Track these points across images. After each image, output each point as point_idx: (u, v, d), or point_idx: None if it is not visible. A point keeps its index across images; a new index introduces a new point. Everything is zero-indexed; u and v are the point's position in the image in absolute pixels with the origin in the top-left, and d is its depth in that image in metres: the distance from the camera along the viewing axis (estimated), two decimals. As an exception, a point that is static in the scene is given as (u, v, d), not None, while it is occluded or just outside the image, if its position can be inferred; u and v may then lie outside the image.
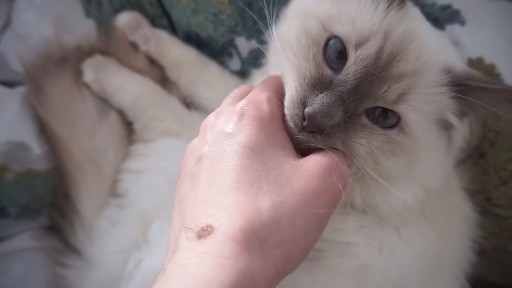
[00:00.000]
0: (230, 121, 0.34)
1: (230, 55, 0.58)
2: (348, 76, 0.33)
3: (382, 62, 0.32)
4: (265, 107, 0.34)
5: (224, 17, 0.55)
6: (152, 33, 0.57)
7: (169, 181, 0.49)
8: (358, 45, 0.33)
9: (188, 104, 0.57)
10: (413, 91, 0.32)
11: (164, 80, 0.58)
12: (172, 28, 0.60)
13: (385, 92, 0.32)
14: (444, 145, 0.37)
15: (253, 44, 0.56)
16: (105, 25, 0.57)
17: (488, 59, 0.45)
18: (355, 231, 0.39)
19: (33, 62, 0.54)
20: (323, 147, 0.32)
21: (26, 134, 0.52)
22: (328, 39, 0.34)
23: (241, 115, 0.33)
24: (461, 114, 0.35)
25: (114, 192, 0.53)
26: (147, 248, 0.46)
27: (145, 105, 0.54)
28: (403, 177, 0.36)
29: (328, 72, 0.34)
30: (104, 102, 0.56)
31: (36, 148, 0.53)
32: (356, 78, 0.32)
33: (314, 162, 0.31)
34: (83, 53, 0.56)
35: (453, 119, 0.35)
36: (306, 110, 0.32)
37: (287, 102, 0.34)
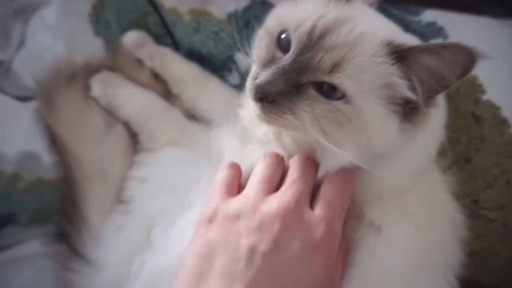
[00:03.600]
0: (306, 243, 0.37)
1: (229, 70, 0.62)
2: (289, 53, 0.39)
3: (315, 36, 0.38)
4: (333, 250, 0.39)
5: (224, 35, 0.59)
6: (157, 50, 0.61)
7: (170, 188, 0.52)
8: (297, 28, 0.39)
9: (191, 116, 0.61)
10: (347, 61, 0.36)
11: (167, 94, 0.62)
12: (175, 46, 0.64)
13: (319, 61, 0.37)
14: (394, 123, 0.38)
15: (251, 59, 0.59)
16: (112, 44, 0.61)
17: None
18: None
19: (45, 78, 0.58)
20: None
21: (37, 144, 0.56)
22: (281, 32, 0.40)
23: (319, 245, 0.37)
24: (407, 80, 0.37)
25: (119, 199, 0.56)
26: (150, 250, 0.48)
27: (149, 117, 0.57)
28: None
29: (280, 55, 0.40)
30: (111, 114, 0.59)
31: (47, 158, 0.56)
32: (295, 52, 0.38)
33: None
34: (92, 69, 0.60)
35: (399, 83, 0.37)
36: (255, 81, 0.38)
37: (247, 82, 0.41)
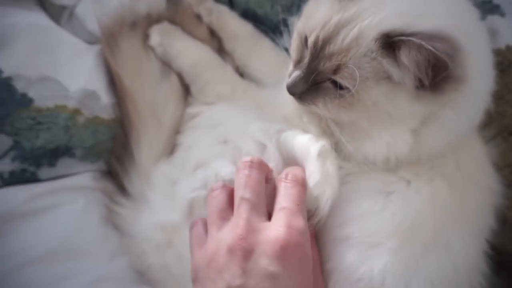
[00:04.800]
0: (272, 257, 0.37)
1: (281, 33, 0.64)
2: (305, 59, 0.46)
3: (318, 47, 0.44)
4: (306, 245, 0.40)
5: (282, -4, 0.61)
6: (215, 7, 0.63)
7: (215, 138, 0.55)
8: (309, 37, 0.45)
9: (240, 74, 0.63)
10: (343, 65, 0.43)
11: (220, 51, 0.65)
12: (231, 5, 0.66)
13: (323, 67, 0.44)
14: (403, 93, 0.42)
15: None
16: (174, -3, 0.64)
17: (525, 47, 0.49)
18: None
19: (109, 24, 0.61)
20: None
21: (98, 84, 0.59)
22: (306, 36, 0.46)
23: (285, 253, 0.38)
24: (399, 67, 0.41)
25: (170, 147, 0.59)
26: None
27: (203, 69, 0.60)
28: (371, 129, 0.45)
29: (307, 54, 0.46)
30: (166, 65, 0.63)
31: (105, 98, 0.60)
32: (308, 59, 0.45)
33: None
34: (152, 20, 0.63)
35: (392, 72, 0.41)
36: (287, 81, 0.47)
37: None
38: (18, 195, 0.55)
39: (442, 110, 0.43)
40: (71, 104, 0.57)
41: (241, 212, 0.40)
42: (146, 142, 0.59)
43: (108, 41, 0.60)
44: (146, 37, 0.62)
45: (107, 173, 0.63)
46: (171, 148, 0.59)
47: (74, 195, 0.58)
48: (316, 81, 0.45)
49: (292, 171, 0.44)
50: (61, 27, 0.63)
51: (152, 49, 0.62)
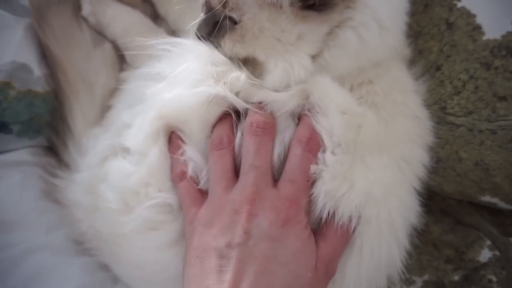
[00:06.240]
0: (273, 224, 0.40)
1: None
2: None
3: None
4: (303, 217, 0.42)
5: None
6: (145, -29, 0.62)
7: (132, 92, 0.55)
8: None
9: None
10: None
11: (155, 17, 0.64)
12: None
13: (214, 3, 0.44)
14: (286, 15, 0.42)
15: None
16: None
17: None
18: None
19: (38, -1, 0.60)
20: None
21: (28, 56, 0.58)
22: None
23: (284, 224, 0.40)
24: None
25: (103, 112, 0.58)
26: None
27: (135, 34, 0.59)
28: (268, 61, 0.45)
29: None
30: (100, 35, 0.62)
31: (37, 70, 0.58)
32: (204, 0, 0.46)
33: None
34: (83, -10, 0.62)
35: None
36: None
37: None
38: (-46, 172, 0.54)
39: (341, 30, 0.42)
40: (0, 77, 0.56)
41: (250, 177, 0.42)
42: (79, 111, 0.58)
43: (36, 14, 0.59)
44: (78, 9, 0.61)
45: (48, 149, 0.62)
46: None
47: (10, 170, 0.57)
48: (217, 21, 0.45)
49: (308, 131, 0.43)
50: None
51: (85, 19, 0.61)
